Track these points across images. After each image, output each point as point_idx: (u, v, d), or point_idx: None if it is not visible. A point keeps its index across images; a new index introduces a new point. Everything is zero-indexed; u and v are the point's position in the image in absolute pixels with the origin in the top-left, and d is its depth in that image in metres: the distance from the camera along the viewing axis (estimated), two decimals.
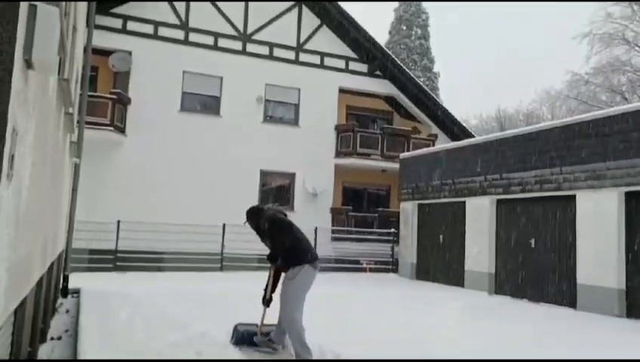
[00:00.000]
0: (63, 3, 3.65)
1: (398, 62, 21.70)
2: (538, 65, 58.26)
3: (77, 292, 10.51)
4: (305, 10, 20.02)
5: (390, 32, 37.66)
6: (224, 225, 15.82)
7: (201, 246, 15.86)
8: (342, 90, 20.56)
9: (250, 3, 19.18)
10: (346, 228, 19.26)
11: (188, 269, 15.97)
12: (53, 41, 2.40)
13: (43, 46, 2.35)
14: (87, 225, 14.13)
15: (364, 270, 18.35)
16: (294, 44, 19.79)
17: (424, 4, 37.59)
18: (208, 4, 18.62)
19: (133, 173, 16.67)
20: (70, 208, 10.83)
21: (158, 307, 8.62)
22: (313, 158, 19.31)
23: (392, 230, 18.90)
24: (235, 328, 6.65)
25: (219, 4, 18.71)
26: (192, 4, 18.38)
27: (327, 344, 6.32)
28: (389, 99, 22.42)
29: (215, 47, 18.60)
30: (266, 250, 6.38)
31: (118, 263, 15.36)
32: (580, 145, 11.45)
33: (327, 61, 20.26)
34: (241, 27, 19.04)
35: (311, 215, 18.71)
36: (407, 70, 21.79)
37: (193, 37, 18.32)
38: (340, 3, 19.99)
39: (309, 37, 20.02)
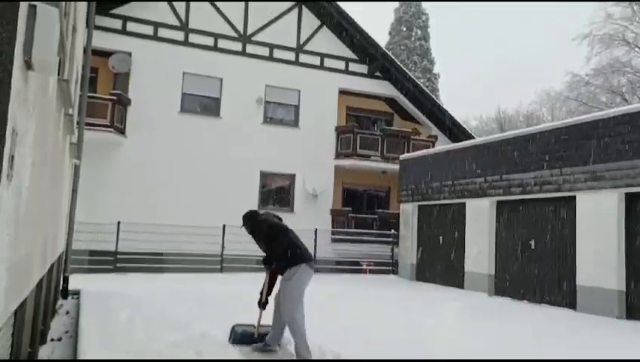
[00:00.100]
0: (63, 3, 3.65)
1: (398, 63, 21.73)
2: (538, 66, 58.24)
3: (77, 293, 10.50)
4: (305, 11, 20.03)
5: (390, 33, 37.70)
6: (224, 226, 15.81)
7: (201, 248, 15.85)
8: (342, 92, 20.58)
9: (250, 4, 19.19)
10: (346, 230, 19.26)
11: (188, 270, 15.98)
12: (52, 42, 2.40)
13: (43, 46, 2.35)
14: (87, 226, 14.12)
15: (364, 271, 18.35)
16: (294, 45, 19.80)
17: (424, 4, 37.67)
18: (208, 4, 18.64)
19: (133, 174, 16.68)
20: (70, 209, 10.83)
21: (158, 308, 8.62)
22: (313, 159, 19.32)
23: (392, 231, 18.90)
24: (233, 328, 6.75)
25: (219, 4, 18.73)
26: (191, 4, 18.39)
27: (327, 344, 6.32)
28: (389, 101, 22.43)
29: (215, 48, 18.61)
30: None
31: (118, 264, 15.35)
32: (580, 146, 11.46)
33: (327, 62, 20.27)
34: (241, 28, 19.05)
35: (311, 216, 18.73)
36: (407, 71, 21.81)
37: (193, 38, 18.33)
38: (339, 4, 20.01)
39: (309, 38, 20.04)
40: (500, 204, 13.84)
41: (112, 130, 16.37)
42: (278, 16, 19.57)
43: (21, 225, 2.93)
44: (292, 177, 19.38)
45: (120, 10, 17.39)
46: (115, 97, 16.56)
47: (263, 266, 6.48)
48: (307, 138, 19.40)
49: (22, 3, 2.16)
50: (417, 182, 17.00)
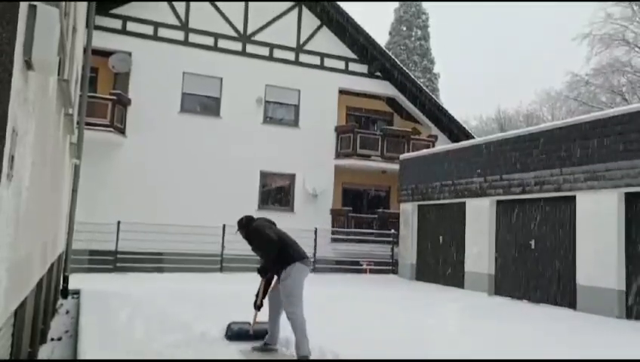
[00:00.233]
0: (63, 3, 3.66)
1: (398, 63, 21.72)
2: (538, 66, 58.29)
3: (77, 293, 10.52)
4: (305, 10, 20.03)
5: (390, 33, 37.69)
6: (224, 226, 15.80)
7: (201, 247, 15.85)
8: (342, 91, 20.58)
9: (250, 3, 19.19)
10: (345, 230, 19.26)
11: (188, 270, 15.98)
12: (52, 42, 2.40)
13: (43, 46, 2.36)
14: (87, 225, 14.12)
15: (364, 271, 18.35)
16: (294, 45, 19.80)
17: (424, 4, 37.64)
18: (208, 4, 18.63)
19: (133, 173, 16.68)
20: (70, 209, 10.84)
21: (158, 307, 8.62)
22: (313, 159, 19.32)
23: (392, 231, 18.90)
24: (229, 326, 6.92)
25: (219, 4, 18.73)
26: (191, 4, 18.39)
27: (327, 344, 6.32)
28: (389, 100, 22.44)
29: (215, 47, 18.61)
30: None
31: (118, 264, 15.35)
32: (580, 146, 11.46)
33: (327, 62, 20.27)
34: (241, 28, 19.05)
35: (311, 216, 18.74)
36: (407, 71, 21.80)
37: (193, 38, 18.33)
38: (339, 3, 20.01)
39: (309, 38, 20.03)
40: (500, 203, 13.84)
41: (112, 129, 16.36)
42: (278, 16, 19.57)
43: (21, 225, 2.93)
44: (292, 177, 19.38)
45: (120, 10, 17.39)
46: (115, 97, 16.55)
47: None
48: (307, 138, 19.40)
49: (22, 3, 2.16)
50: (417, 182, 17.00)
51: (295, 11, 19.91)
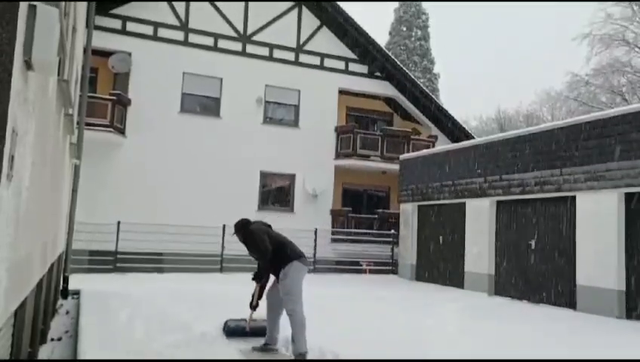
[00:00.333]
0: (63, 3, 3.66)
1: (398, 63, 21.73)
2: (538, 66, 58.29)
3: (77, 293, 10.51)
4: (305, 11, 20.03)
5: (390, 33, 37.69)
6: (224, 226, 15.80)
7: (201, 248, 15.85)
8: (342, 92, 20.57)
9: (250, 4, 19.19)
10: (345, 230, 19.26)
11: (188, 270, 15.98)
12: (52, 42, 2.40)
13: (42, 47, 2.35)
14: (87, 226, 14.12)
15: (364, 271, 18.35)
16: (294, 45, 19.80)
17: (424, 4, 37.64)
18: (208, 4, 18.63)
19: (133, 174, 16.68)
20: (70, 209, 10.83)
21: (158, 308, 8.62)
22: (313, 159, 19.32)
23: (392, 231, 18.90)
24: (226, 323, 7.04)
25: (218, 4, 18.72)
26: (191, 4, 18.39)
27: (326, 344, 6.33)
28: (389, 101, 22.44)
29: (215, 48, 18.61)
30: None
31: (118, 264, 15.35)
32: (580, 146, 11.46)
33: (327, 62, 20.26)
34: (240, 28, 19.05)
35: (311, 216, 18.74)
36: (407, 71, 21.80)
37: (193, 38, 18.33)
38: (339, 3, 20.00)
39: (309, 38, 20.03)
40: (499, 203, 13.84)
41: (111, 130, 16.36)
42: (278, 16, 19.56)
43: (21, 225, 2.93)
44: (292, 177, 19.38)
45: (120, 10, 17.39)
46: (115, 97, 16.55)
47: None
48: (307, 138, 19.39)
49: (22, 3, 2.16)
50: (417, 182, 17.00)
51: (295, 11, 19.92)
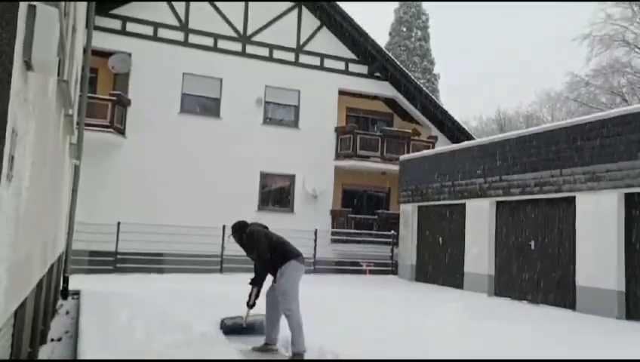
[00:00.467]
0: (63, 3, 3.66)
1: (398, 63, 21.73)
2: (538, 66, 58.32)
3: (77, 293, 10.50)
4: (305, 11, 20.03)
5: (390, 34, 37.69)
6: (224, 227, 15.79)
7: (201, 248, 15.86)
8: (342, 92, 20.57)
9: (250, 4, 19.19)
10: (345, 230, 19.26)
11: (188, 271, 15.98)
12: (52, 42, 2.40)
13: (42, 47, 2.35)
14: (87, 226, 14.13)
15: (363, 272, 18.35)
16: (294, 46, 19.80)
17: (424, 5, 37.64)
18: (208, 5, 18.64)
19: (133, 174, 16.68)
20: (70, 209, 10.83)
21: (158, 308, 8.61)
22: (313, 160, 19.32)
23: (392, 232, 18.90)
24: (223, 321, 7.16)
25: (218, 5, 18.73)
26: (191, 5, 18.39)
27: (326, 344, 6.33)
28: (389, 101, 22.44)
29: (215, 48, 18.61)
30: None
31: (118, 265, 15.36)
32: (580, 146, 11.46)
33: (327, 63, 20.27)
34: (240, 28, 19.06)
35: (311, 216, 18.75)
36: (407, 72, 21.81)
37: (193, 38, 18.33)
38: (339, 4, 20.01)
39: (309, 38, 20.04)
40: (499, 204, 13.84)
41: (111, 130, 16.37)
42: (278, 16, 19.57)
43: (21, 225, 2.93)
44: (292, 178, 19.38)
45: (120, 11, 17.39)
46: (114, 98, 16.55)
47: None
48: (307, 138, 19.40)
49: (22, 3, 2.16)
50: (417, 183, 17.00)
51: (295, 12, 19.92)
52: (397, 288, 14.56)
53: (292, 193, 19.38)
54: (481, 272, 13.94)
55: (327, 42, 20.27)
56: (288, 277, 6.28)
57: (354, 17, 20.23)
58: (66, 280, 10.66)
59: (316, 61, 20.08)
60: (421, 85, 22.35)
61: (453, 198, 15.31)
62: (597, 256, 10.87)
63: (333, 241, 18.96)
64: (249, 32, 19.16)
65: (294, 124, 19.68)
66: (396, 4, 37.85)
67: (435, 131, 21.71)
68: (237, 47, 18.95)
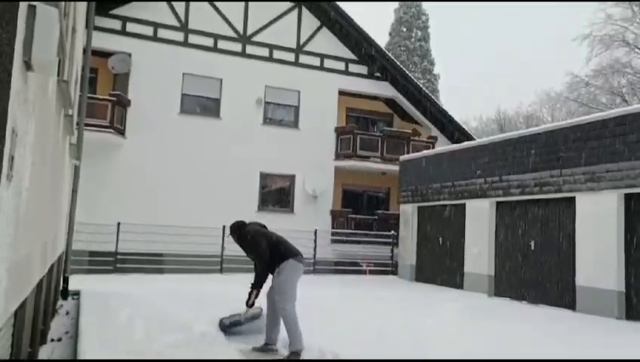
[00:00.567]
0: (63, 4, 3.66)
1: (398, 64, 21.73)
2: (538, 66, 58.33)
3: (77, 293, 10.50)
4: (305, 11, 20.04)
5: (390, 34, 37.70)
6: (224, 227, 15.76)
7: (200, 248, 15.85)
8: (342, 92, 20.57)
9: (249, 4, 19.19)
10: (345, 231, 19.27)
11: (188, 271, 15.98)
12: (52, 42, 2.40)
13: (42, 47, 2.36)
14: (87, 226, 14.13)
15: (363, 272, 18.35)
16: (294, 46, 19.81)
17: (424, 5, 37.65)
18: (208, 5, 18.64)
19: (133, 174, 16.69)
20: (70, 209, 10.83)
21: (158, 308, 8.61)
22: (313, 160, 19.32)
23: (392, 232, 18.90)
24: (221, 321, 7.15)
25: (218, 5, 18.73)
26: (191, 5, 18.40)
27: (326, 344, 6.33)
28: (389, 102, 22.44)
29: (215, 48, 18.61)
30: None
31: (118, 265, 15.35)
32: (580, 147, 11.46)
33: (327, 63, 20.27)
34: (240, 29, 19.06)
35: (311, 217, 18.75)
36: (407, 72, 21.81)
37: (193, 39, 18.34)
38: (339, 4, 20.01)
39: (309, 39, 20.04)
40: (499, 204, 13.84)
41: (111, 130, 16.37)
42: (278, 16, 19.57)
43: (21, 225, 2.93)
44: (292, 178, 19.38)
45: (120, 11, 17.40)
46: (114, 98, 16.55)
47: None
48: (307, 139, 19.40)
49: (21, 3, 2.16)
50: (417, 183, 17.00)
51: (295, 12, 19.92)
52: (397, 288, 14.56)
53: (292, 193, 19.39)
54: (481, 272, 13.94)
55: (327, 42, 20.28)
56: (287, 276, 6.30)
57: (354, 17, 20.25)
58: (66, 281, 10.66)
59: (316, 61, 20.08)
60: (421, 85, 22.35)
61: (453, 198, 15.31)
62: (597, 256, 10.87)
63: (333, 241, 18.96)
64: (249, 32, 19.16)
65: (294, 124, 19.68)
66: (396, 4, 37.86)
67: (435, 131, 21.71)
68: (237, 47, 18.96)
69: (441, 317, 9.77)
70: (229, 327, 7.07)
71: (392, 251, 18.92)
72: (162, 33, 17.96)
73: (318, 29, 20.20)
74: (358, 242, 19.12)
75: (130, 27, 17.54)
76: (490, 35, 69.16)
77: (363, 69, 20.84)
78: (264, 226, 6.86)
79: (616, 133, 10.68)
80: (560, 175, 11.88)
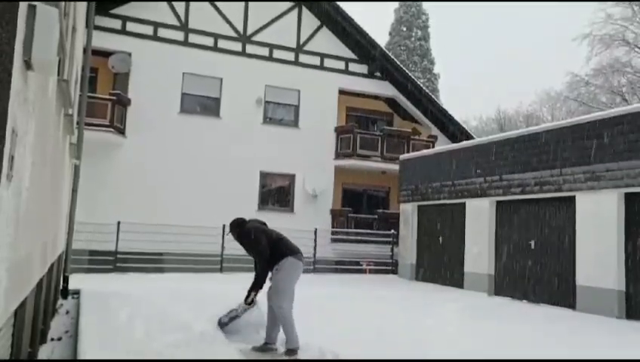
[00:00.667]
0: (63, 3, 3.66)
1: (398, 63, 21.73)
2: (538, 66, 58.31)
3: (77, 293, 10.49)
4: (305, 11, 20.03)
5: (390, 34, 37.68)
6: (224, 227, 15.70)
7: (200, 248, 15.85)
8: (342, 92, 20.57)
9: (250, 4, 19.19)
10: (345, 230, 19.27)
11: (188, 270, 15.98)
12: (52, 42, 2.40)
13: (42, 46, 2.35)
14: (87, 226, 14.12)
15: (363, 271, 18.35)
16: (294, 45, 19.80)
17: (424, 5, 37.64)
18: (208, 4, 18.63)
19: (133, 174, 16.69)
20: (70, 209, 10.82)
21: (158, 307, 8.60)
22: (313, 160, 19.32)
23: (392, 231, 18.90)
24: (220, 321, 7.13)
25: (219, 4, 18.72)
26: (191, 4, 18.39)
27: (326, 344, 6.33)
28: (389, 101, 22.44)
29: (215, 48, 18.61)
30: None
31: (118, 264, 15.36)
32: (580, 146, 11.46)
33: (327, 62, 20.27)
34: (240, 28, 19.05)
35: (311, 216, 18.74)
36: (407, 71, 21.81)
37: (193, 38, 18.33)
38: (339, 4, 20.02)
39: (309, 38, 20.03)
40: (499, 204, 13.84)
41: (111, 130, 16.37)
42: (278, 16, 19.57)
43: (21, 225, 2.93)
44: (292, 177, 19.38)
45: (120, 10, 17.39)
46: (114, 97, 16.55)
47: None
48: (307, 138, 19.40)
49: (21, 3, 2.16)
50: (417, 183, 17.00)
51: (295, 11, 19.92)
52: (397, 287, 14.56)
53: (292, 193, 19.38)
54: (481, 272, 13.94)
55: (327, 42, 20.27)
56: (285, 274, 6.30)
57: (354, 17, 20.24)
58: (66, 280, 10.65)
59: (316, 61, 20.08)
60: (421, 85, 22.35)
61: (453, 198, 15.31)
62: (597, 256, 10.87)
63: (333, 241, 18.96)
64: (249, 31, 19.16)
65: (294, 123, 19.68)
66: (396, 4, 37.85)
67: (435, 131, 21.71)
68: (237, 46, 18.95)
69: (441, 316, 9.77)
70: (228, 323, 7.06)
71: (392, 250, 18.93)
72: (162, 33, 17.96)
73: (318, 28, 20.19)
74: (358, 241, 19.12)
75: (131, 27, 17.53)
76: (490, 35, 69.20)
77: (363, 69, 20.84)
78: (264, 224, 6.84)
79: (616, 132, 10.67)
80: (560, 174, 11.87)
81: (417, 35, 37.05)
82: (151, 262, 15.97)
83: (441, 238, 15.93)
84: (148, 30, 17.77)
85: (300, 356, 6.17)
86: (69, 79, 5.66)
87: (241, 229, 6.68)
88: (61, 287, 10.51)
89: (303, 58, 19.88)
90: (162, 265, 16.33)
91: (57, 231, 7.65)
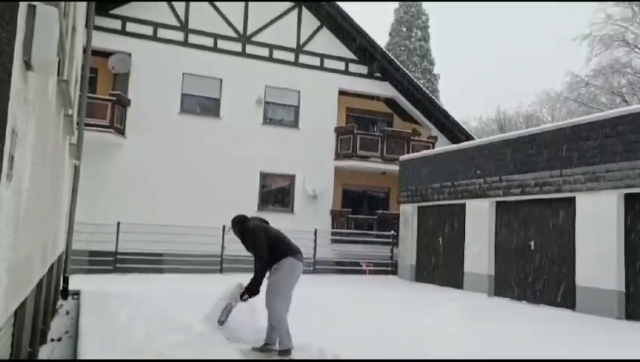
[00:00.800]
0: (62, 3, 3.66)
1: (398, 64, 21.73)
2: (538, 66, 58.32)
3: (77, 293, 10.50)
4: (305, 11, 20.03)
5: (390, 34, 37.70)
6: (224, 227, 15.75)
7: (201, 248, 15.85)
8: (342, 92, 20.57)
9: (249, 4, 19.19)
10: (345, 230, 19.27)
11: (188, 271, 15.98)
12: (52, 42, 2.40)
13: (42, 47, 2.35)
14: (87, 226, 14.12)
15: (363, 272, 18.35)
16: (294, 46, 19.80)
17: (424, 5, 37.65)
18: (208, 5, 18.63)
19: (133, 174, 16.69)
20: (70, 209, 10.82)
21: (158, 308, 8.61)
22: (313, 160, 19.32)
23: (392, 232, 18.90)
24: (219, 321, 7.10)
25: (218, 5, 18.73)
26: (191, 5, 18.39)
27: (326, 344, 6.33)
28: (389, 101, 22.43)
29: (215, 48, 18.61)
30: None
31: (118, 265, 15.36)
32: (580, 147, 11.46)
33: (327, 63, 20.27)
34: (240, 29, 19.06)
35: (311, 217, 18.74)
36: (407, 72, 21.81)
37: (193, 38, 18.34)
38: (339, 4, 20.01)
39: (309, 38, 20.04)
40: (499, 204, 13.84)
41: (111, 130, 16.37)
42: (278, 16, 19.57)
43: (21, 225, 2.93)
44: (292, 178, 19.38)
45: (120, 11, 17.40)
46: (114, 98, 16.55)
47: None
48: (307, 139, 19.40)
49: (21, 3, 2.16)
50: (417, 183, 17.00)
51: (295, 12, 19.92)
52: (397, 288, 14.57)
53: (292, 193, 19.39)
54: (481, 272, 13.94)
55: (327, 42, 20.27)
56: (284, 274, 6.25)
57: (354, 17, 20.24)
58: (66, 280, 10.65)
59: (316, 61, 20.08)
60: (421, 85, 22.35)
61: (453, 198, 15.31)
62: (597, 256, 10.86)
63: (333, 241, 18.97)
64: (249, 32, 19.16)
65: (294, 124, 19.68)
66: (396, 4, 37.86)
67: (435, 131, 21.71)
68: (237, 47, 18.95)
69: (441, 317, 9.77)
70: (227, 318, 7.05)
71: (391, 251, 18.93)
72: (162, 33, 17.96)
73: (318, 28, 20.20)
74: (358, 242, 19.13)
75: (130, 27, 17.53)
76: (490, 35, 69.20)
77: (363, 69, 20.84)
78: (266, 222, 6.80)
79: (616, 132, 10.67)
80: (560, 175, 11.87)
81: (417, 35, 37.07)
82: (151, 263, 15.97)
83: (441, 239, 15.93)
84: (148, 30, 17.77)
85: (300, 356, 6.16)
86: (68, 79, 5.66)
87: (242, 226, 6.63)
88: (61, 288, 10.51)
89: (302, 58, 19.88)
90: (162, 265, 16.33)
91: (57, 232, 7.65)
